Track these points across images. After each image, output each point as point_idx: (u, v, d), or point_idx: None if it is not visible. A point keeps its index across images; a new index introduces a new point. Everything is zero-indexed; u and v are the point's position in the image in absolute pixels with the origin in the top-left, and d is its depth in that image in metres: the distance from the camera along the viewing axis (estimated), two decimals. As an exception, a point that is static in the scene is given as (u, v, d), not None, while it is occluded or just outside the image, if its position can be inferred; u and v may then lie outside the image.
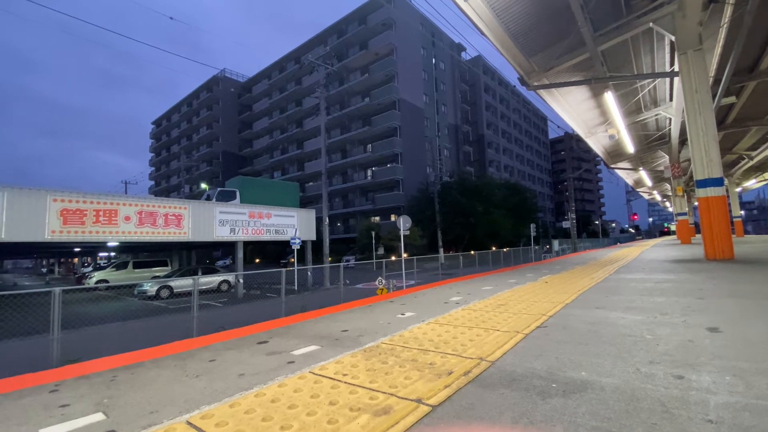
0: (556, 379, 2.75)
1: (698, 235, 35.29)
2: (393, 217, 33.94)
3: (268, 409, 2.52)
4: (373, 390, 2.74)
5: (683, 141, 22.91)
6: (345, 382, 2.93)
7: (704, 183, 11.55)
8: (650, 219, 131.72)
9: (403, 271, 12.04)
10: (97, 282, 18.46)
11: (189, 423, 2.39)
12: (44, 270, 47.53)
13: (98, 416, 2.69)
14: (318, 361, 3.60)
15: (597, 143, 29.19)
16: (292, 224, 17.09)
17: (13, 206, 9.87)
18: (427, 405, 2.44)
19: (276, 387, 2.93)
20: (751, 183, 43.84)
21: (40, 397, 3.20)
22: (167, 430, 2.33)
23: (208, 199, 16.84)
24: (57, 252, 28.75)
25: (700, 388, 2.45)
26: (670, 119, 22.40)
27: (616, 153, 32.20)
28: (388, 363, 3.36)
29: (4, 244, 10.10)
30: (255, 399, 2.71)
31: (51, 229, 10.46)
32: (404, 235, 14.38)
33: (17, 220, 9.91)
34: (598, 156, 34.32)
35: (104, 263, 25.66)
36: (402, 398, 2.56)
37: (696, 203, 14.23)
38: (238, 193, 17.30)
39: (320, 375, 3.15)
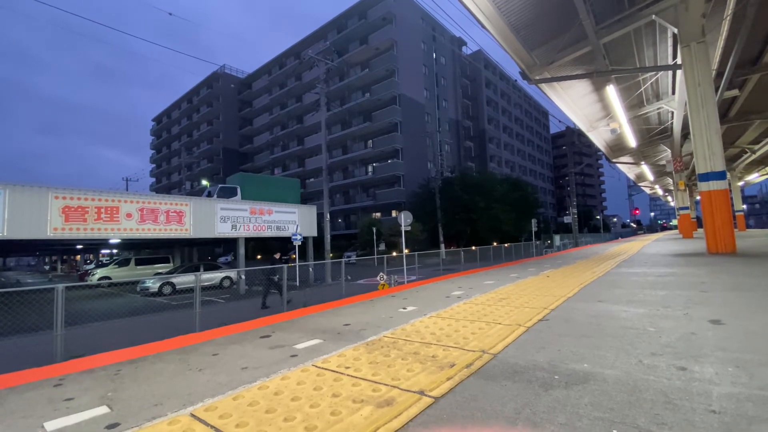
0: (559, 371, 2.75)
1: (700, 230, 35.21)
2: (394, 213, 33.96)
3: (272, 401, 2.52)
4: (376, 382, 2.74)
5: (685, 135, 22.79)
6: (348, 375, 2.93)
7: (707, 177, 11.50)
8: (652, 214, 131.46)
9: (405, 267, 12.05)
10: (100, 279, 18.56)
11: (193, 415, 2.40)
12: (47, 267, 47.74)
13: (102, 409, 2.70)
14: (321, 355, 3.61)
15: (599, 137, 29.05)
16: (293, 220, 17.11)
17: (15, 204, 9.89)
18: (430, 397, 2.44)
19: (279, 380, 2.94)
20: (754, 177, 43.59)
21: (44, 391, 3.21)
22: (171, 422, 2.34)
23: (209, 195, 16.85)
24: (59, 249, 28.85)
25: (703, 379, 2.45)
26: (673, 113, 22.27)
27: (617, 147, 32.08)
28: (391, 356, 3.37)
29: (6, 241, 10.14)
30: (258, 392, 2.71)
31: (53, 226, 10.48)
32: (405, 231, 14.38)
33: (19, 217, 9.93)
34: (599, 150, 34.17)
35: (106, 260, 25.74)
36: (404, 390, 2.56)
37: (698, 197, 14.18)
38: (239, 190, 17.30)
39: (323, 368, 3.15)
